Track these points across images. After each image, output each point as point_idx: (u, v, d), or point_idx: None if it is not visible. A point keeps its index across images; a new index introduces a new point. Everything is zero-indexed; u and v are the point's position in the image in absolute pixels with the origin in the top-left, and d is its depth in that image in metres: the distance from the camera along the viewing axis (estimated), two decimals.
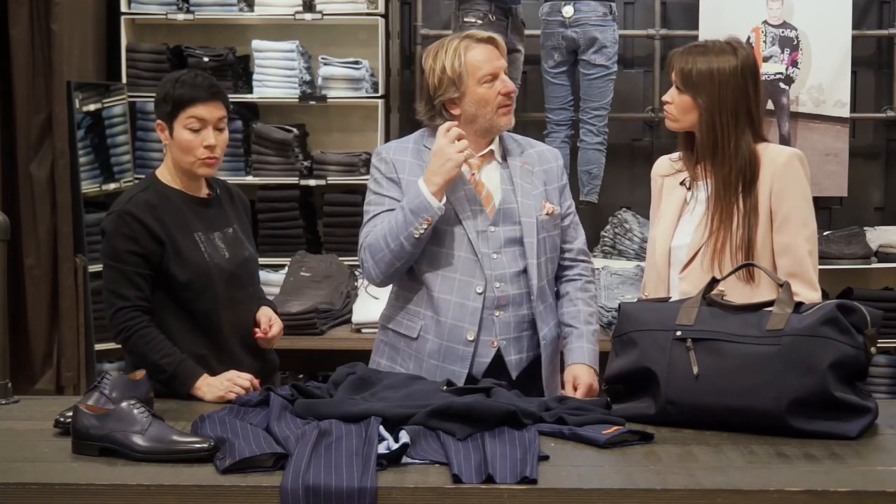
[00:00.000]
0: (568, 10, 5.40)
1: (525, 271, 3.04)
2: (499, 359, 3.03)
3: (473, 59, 3.01)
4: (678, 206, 3.02)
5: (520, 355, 3.06)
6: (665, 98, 2.99)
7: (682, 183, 3.03)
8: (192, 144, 2.98)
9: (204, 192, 3.10)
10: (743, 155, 2.89)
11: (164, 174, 3.07)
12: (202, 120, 2.98)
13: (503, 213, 3.06)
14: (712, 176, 2.94)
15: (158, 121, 3.04)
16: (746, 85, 2.91)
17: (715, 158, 2.92)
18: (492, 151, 3.11)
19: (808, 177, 2.94)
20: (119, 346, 3.00)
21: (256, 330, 3.08)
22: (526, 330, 3.06)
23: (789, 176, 2.90)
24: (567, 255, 3.18)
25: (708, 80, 2.89)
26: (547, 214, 3.08)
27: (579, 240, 3.21)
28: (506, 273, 3.03)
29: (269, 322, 3.09)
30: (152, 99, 6.05)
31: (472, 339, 3.00)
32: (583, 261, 3.20)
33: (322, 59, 5.77)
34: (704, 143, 2.92)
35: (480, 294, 3.01)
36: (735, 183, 2.90)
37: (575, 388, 3.00)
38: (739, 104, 2.90)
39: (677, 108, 2.95)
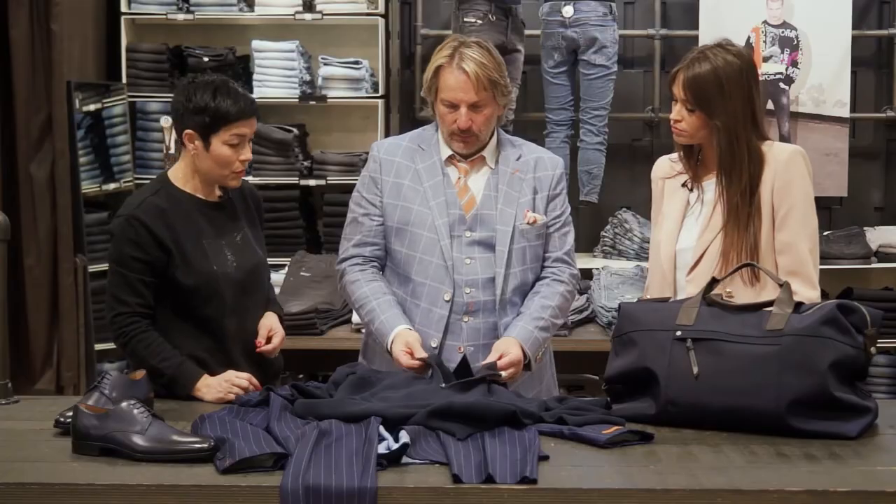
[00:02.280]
0: (568, 10, 5.40)
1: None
2: (465, 365, 2.95)
3: (442, 80, 3.00)
4: (681, 208, 3.00)
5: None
6: (674, 116, 2.93)
7: (683, 185, 3.02)
8: (231, 160, 2.93)
9: (216, 195, 3.06)
10: (755, 159, 2.89)
11: (178, 177, 3.01)
12: (243, 136, 2.93)
13: (480, 219, 3.03)
14: (727, 185, 2.89)
15: (188, 131, 2.91)
16: (750, 85, 2.89)
17: (733, 169, 2.88)
18: (482, 157, 3.09)
19: (810, 174, 2.93)
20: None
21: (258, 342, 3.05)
22: (496, 338, 3.01)
23: (792, 172, 2.89)
24: (545, 262, 3.12)
25: (719, 96, 2.85)
26: (528, 224, 3.05)
27: (563, 250, 3.12)
28: (477, 279, 3.01)
29: (267, 333, 3.06)
30: (152, 99, 5.99)
31: (435, 346, 2.99)
32: (558, 266, 3.11)
33: (322, 59, 5.76)
34: (725, 159, 2.88)
35: (448, 302, 3.00)
36: (747, 187, 2.88)
37: (500, 361, 2.88)
38: (747, 109, 2.88)
39: (690, 125, 2.90)
